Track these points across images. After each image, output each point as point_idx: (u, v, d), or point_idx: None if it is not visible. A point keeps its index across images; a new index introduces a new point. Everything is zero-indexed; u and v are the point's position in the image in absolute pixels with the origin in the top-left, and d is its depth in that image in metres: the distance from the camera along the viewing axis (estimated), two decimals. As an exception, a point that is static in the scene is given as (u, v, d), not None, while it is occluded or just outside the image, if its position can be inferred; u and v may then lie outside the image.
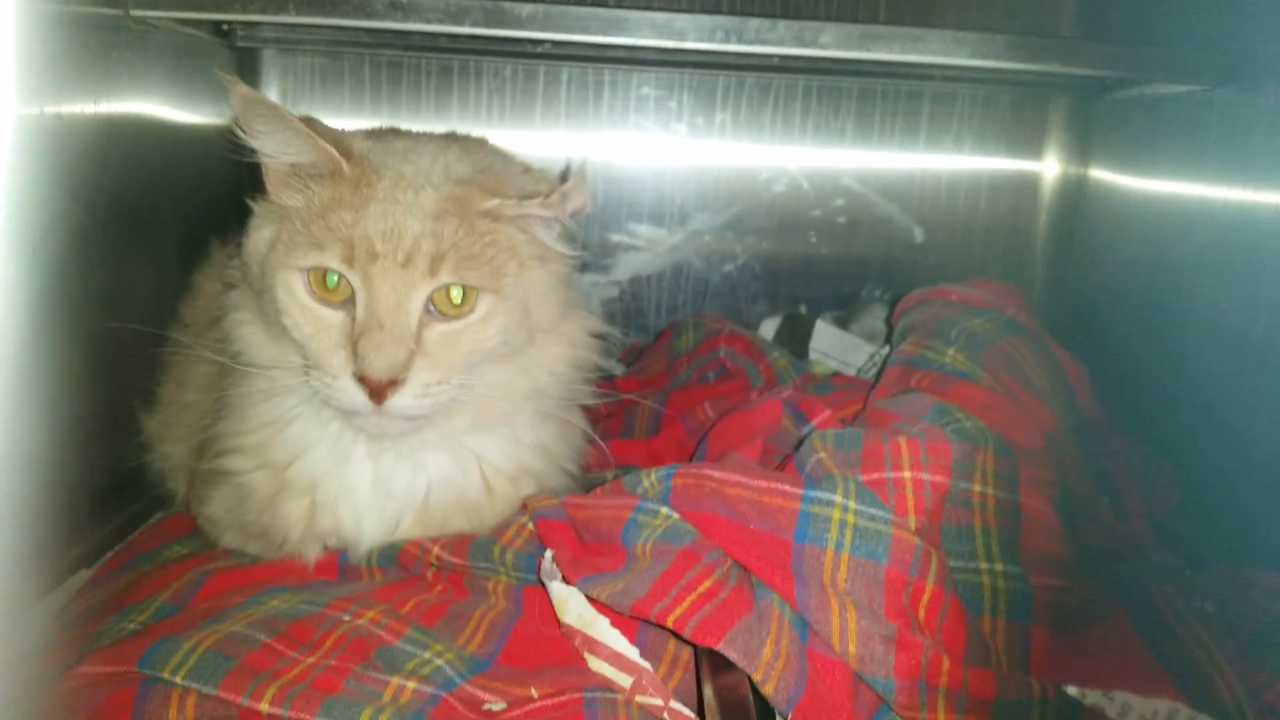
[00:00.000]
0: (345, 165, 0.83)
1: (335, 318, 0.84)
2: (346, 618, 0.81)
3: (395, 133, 0.95)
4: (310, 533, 0.93)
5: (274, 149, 0.85)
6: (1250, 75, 1.11)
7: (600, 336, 0.99)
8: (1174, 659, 0.79)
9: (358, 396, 0.82)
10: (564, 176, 0.89)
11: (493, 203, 0.84)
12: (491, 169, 0.90)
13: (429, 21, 1.11)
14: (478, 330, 0.85)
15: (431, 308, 0.83)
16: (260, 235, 0.88)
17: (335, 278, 0.83)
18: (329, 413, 0.90)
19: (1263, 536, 1.01)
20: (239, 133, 0.84)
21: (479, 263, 0.83)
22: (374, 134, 0.94)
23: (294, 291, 0.84)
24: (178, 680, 0.72)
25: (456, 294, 0.84)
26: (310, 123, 0.88)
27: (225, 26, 1.33)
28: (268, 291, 0.85)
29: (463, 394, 0.86)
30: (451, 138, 0.96)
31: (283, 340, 0.88)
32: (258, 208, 0.89)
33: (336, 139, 0.85)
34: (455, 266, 0.82)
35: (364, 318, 0.82)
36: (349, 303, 0.83)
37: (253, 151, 0.85)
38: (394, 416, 0.84)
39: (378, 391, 0.81)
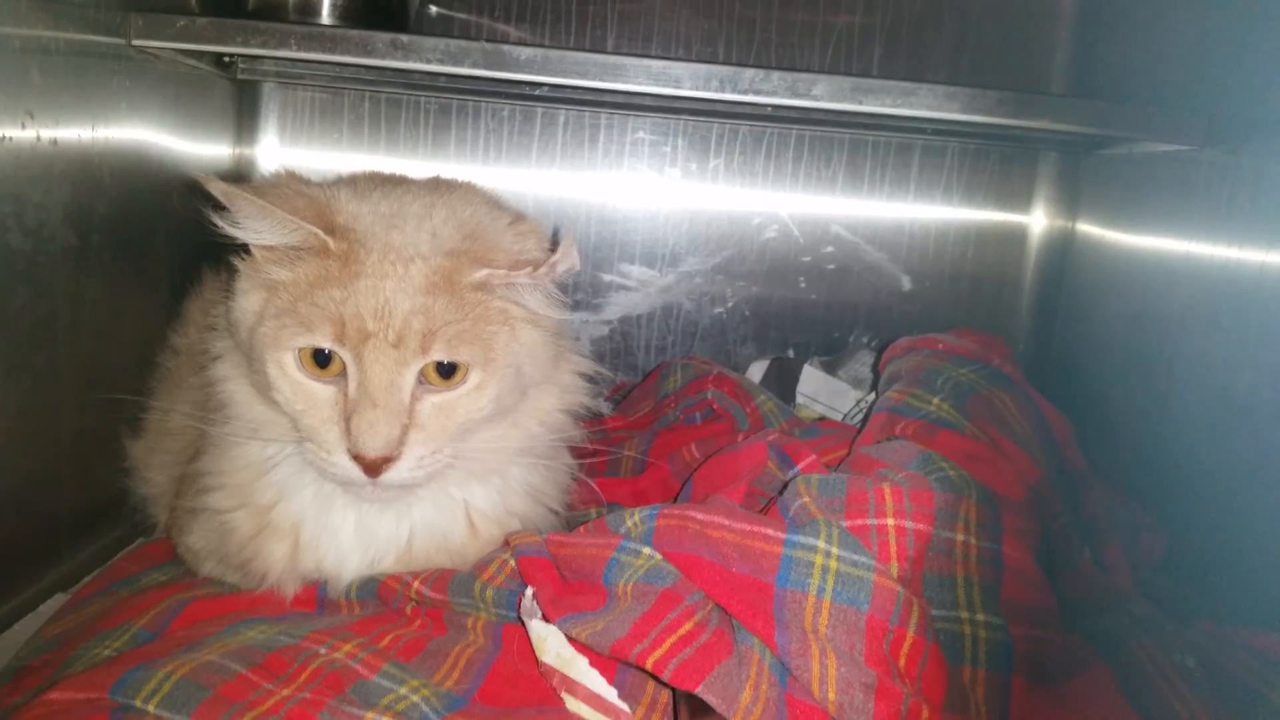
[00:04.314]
0: (331, 242, 0.82)
1: (327, 392, 0.83)
2: (323, 650, 0.80)
3: (379, 184, 0.92)
4: (291, 571, 0.92)
5: (257, 237, 0.83)
6: (1236, 136, 1.14)
7: (590, 379, 0.99)
8: (1155, 714, 0.78)
9: (353, 471, 0.82)
10: (554, 241, 0.88)
11: (481, 274, 0.83)
12: (479, 230, 0.88)
13: (429, 61, 1.13)
14: (471, 400, 0.84)
15: (422, 379, 0.83)
16: (248, 301, 0.86)
17: (327, 354, 0.82)
18: None
19: (1245, 592, 1.01)
20: (221, 224, 0.82)
21: (470, 337, 0.83)
22: (356, 187, 0.90)
23: (285, 368, 0.83)
24: (150, 709, 0.71)
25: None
26: (291, 181, 0.87)
27: (226, 59, 1.34)
28: (257, 362, 0.85)
29: (457, 460, 0.86)
30: (437, 188, 0.93)
31: (274, 405, 0.87)
32: (244, 268, 0.87)
33: (320, 209, 0.84)
34: (447, 343, 0.81)
35: (356, 395, 0.81)
36: (341, 376, 0.83)
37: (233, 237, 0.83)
38: (389, 487, 0.84)
39: (373, 468, 0.81)
